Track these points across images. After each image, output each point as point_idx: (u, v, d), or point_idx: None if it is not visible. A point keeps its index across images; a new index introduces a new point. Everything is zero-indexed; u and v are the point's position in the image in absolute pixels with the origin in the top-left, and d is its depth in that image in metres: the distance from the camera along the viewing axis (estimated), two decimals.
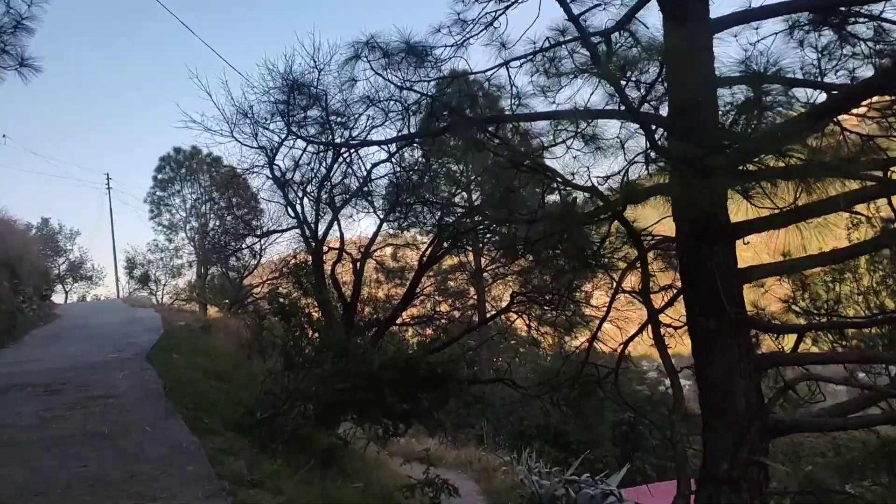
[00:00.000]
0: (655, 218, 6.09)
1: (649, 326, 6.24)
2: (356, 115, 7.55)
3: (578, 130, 5.72)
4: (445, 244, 12.87)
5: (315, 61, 11.10)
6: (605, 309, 7.88)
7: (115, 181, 76.73)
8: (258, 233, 18.21)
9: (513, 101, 7.68)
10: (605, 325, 11.85)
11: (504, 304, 26.88)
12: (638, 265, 6.29)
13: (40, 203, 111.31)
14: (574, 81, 7.45)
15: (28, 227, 38.38)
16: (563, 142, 6.04)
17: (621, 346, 7.26)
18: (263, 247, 24.24)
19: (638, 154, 5.58)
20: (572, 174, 5.92)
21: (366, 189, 12.82)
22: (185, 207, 36.81)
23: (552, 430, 20.29)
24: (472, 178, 13.47)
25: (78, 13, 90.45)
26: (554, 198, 6.94)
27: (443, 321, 15.77)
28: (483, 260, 22.96)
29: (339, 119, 7.88)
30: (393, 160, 12.09)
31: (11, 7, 7.93)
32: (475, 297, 27.61)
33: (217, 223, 34.44)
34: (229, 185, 32.94)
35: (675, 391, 5.57)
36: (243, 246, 25.80)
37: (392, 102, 7.30)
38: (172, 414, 6.96)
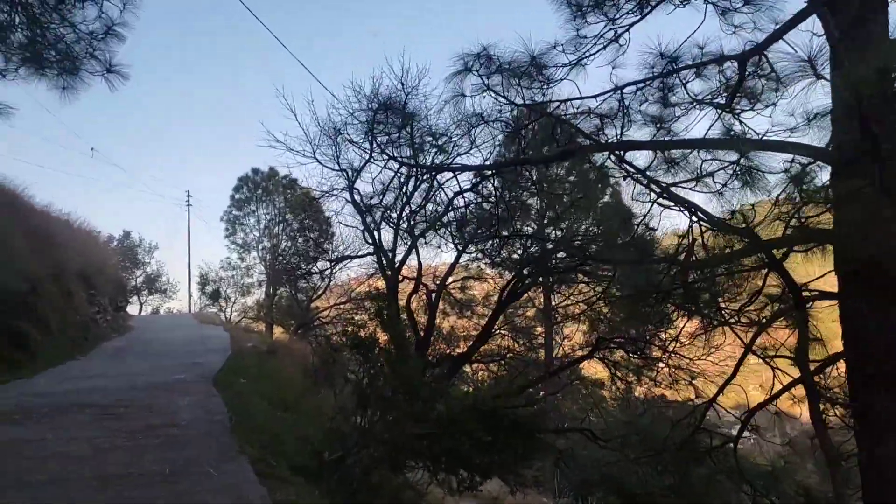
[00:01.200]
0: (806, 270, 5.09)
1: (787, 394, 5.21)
2: (454, 136, 6.83)
3: (737, 161, 4.80)
4: (527, 280, 11.97)
5: (403, 84, 10.56)
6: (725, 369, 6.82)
7: (195, 198, 79.01)
8: (331, 257, 17.65)
9: (623, 128, 6.84)
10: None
11: (575, 345, 25.72)
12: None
13: (122, 216, 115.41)
14: (691, 112, 6.62)
15: (110, 239, 39.47)
16: (709, 175, 5.13)
17: (746, 414, 6.19)
18: (334, 271, 23.73)
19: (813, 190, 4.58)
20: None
21: (447, 218, 12.05)
22: (259, 227, 37.03)
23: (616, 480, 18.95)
24: (558, 211, 12.55)
25: (161, 25, 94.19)
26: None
27: (512, 360, 14.76)
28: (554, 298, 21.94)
29: (431, 140, 7.16)
30: (476, 190, 11.33)
31: (104, 12, 7.63)
32: (542, 335, 26.47)
33: (288, 244, 34.43)
34: (304, 206, 33.05)
35: (837, 485, 4.48)
36: (313, 269, 25.39)
37: (498, 123, 6.51)
38: (237, 454, 6.24)
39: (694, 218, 5.14)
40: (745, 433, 6.50)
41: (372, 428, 7.64)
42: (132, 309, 38.23)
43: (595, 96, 6.61)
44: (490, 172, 8.05)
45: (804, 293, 4.77)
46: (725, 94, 6.05)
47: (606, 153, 5.75)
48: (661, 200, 5.34)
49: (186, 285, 47.25)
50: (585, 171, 6.45)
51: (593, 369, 20.07)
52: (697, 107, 6.33)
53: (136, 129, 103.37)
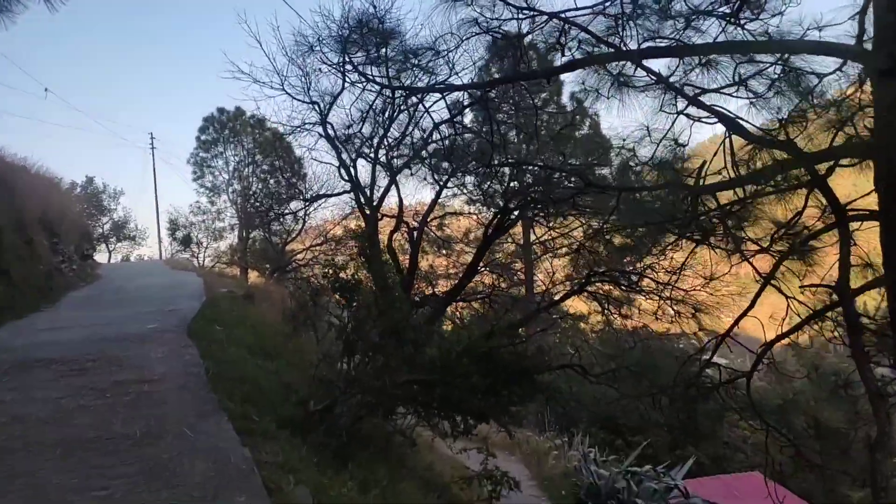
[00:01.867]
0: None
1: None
2: (442, 52, 6.07)
3: (776, 63, 4.21)
4: (516, 213, 11.43)
5: (375, 6, 9.71)
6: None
7: (160, 141, 76.61)
8: (305, 196, 16.82)
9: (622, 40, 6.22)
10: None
11: (557, 280, 25.44)
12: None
13: (83, 162, 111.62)
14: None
15: (72, 185, 37.98)
16: (742, 82, 4.55)
17: (763, 347, 5.79)
18: (308, 212, 22.91)
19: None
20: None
21: (426, 151, 11.38)
22: (228, 170, 35.83)
23: (602, 414, 18.91)
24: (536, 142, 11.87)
25: None
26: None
27: (496, 297, 14.34)
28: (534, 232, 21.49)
29: (412, 59, 6.39)
30: (459, 118, 10.59)
31: None
32: (522, 271, 26.11)
33: (259, 186, 33.45)
34: (273, 146, 31.96)
35: (881, 423, 4.08)
36: (287, 210, 24.54)
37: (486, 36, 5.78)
38: (216, 410, 5.72)
39: (726, 131, 4.56)
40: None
41: (360, 374, 7.16)
42: (101, 257, 37.21)
43: (593, 7, 5.97)
44: (478, 94, 7.32)
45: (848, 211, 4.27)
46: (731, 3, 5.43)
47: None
48: (690, 111, 4.77)
49: (156, 231, 45.85)
50: (584, 91, 5.78)
51: (575, 306, 19.79)
52: (699, 19, 5.72)
53: (91, 69, 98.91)
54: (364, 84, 8.08)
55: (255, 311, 15.24)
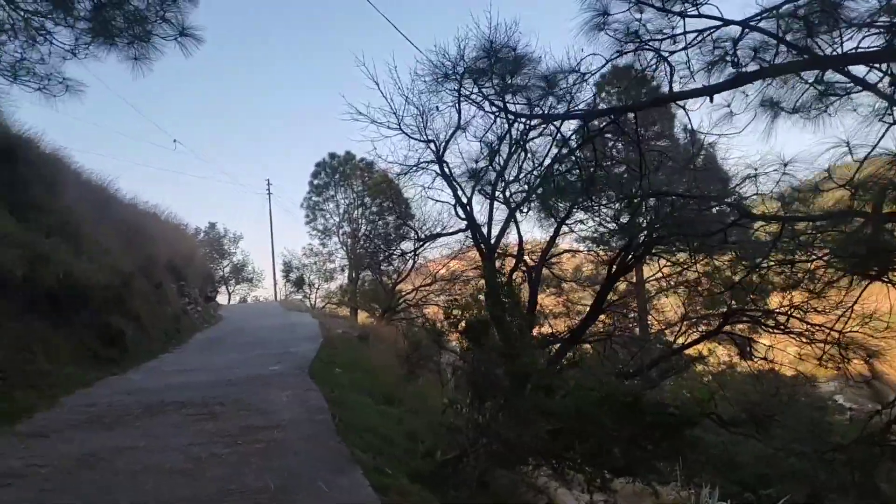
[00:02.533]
0: None
1: None
2: (588, 73, 5.61)
3: None
4: (638, 251, 10.72)
5: (492, 42, 9.48)
6: None
7: (276, 187, 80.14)
8: (420, 236, 16.70)
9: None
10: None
11: (671, 320, 24.05)
12: None
13: (204, 207, 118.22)
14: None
15: (196, 231, 40.06)
16: None
17: None
18: (418, 251, 22.85)
19: None
20: None
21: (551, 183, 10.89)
22: (339, 212, 36.77)
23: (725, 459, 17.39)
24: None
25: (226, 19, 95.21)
26: None
27: (620, 339, 13.53)
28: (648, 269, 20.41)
29: (544, 86, 5.99)
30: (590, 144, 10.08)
31: None
32: (636, 310, 24.90)
33: (368, 228, 34.03)
34: (382, 189, 32.48)
35: None
36: (398, 251, 24.61)
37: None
38: (349, 462, 5.38)
39: None
40: None
41: (490, 422, 6.66)
42: (221, 299, 38.86)
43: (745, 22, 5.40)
44: (611, 119, 6.80)
45: None
46: None
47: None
48: None
49: (271, 273, 47.62)
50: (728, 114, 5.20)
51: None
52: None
53: (211, 118, 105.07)
54: (496, 113, 7.63)
55: (371, 352, 15.12)
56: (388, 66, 26.26)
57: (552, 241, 12.59)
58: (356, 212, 36.06)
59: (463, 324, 8.15)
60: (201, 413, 7.40)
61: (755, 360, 10.14)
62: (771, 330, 9.40)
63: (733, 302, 10.50)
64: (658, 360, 10.60)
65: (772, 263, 7.09)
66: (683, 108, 5.91)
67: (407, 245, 24.41)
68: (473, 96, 7.50)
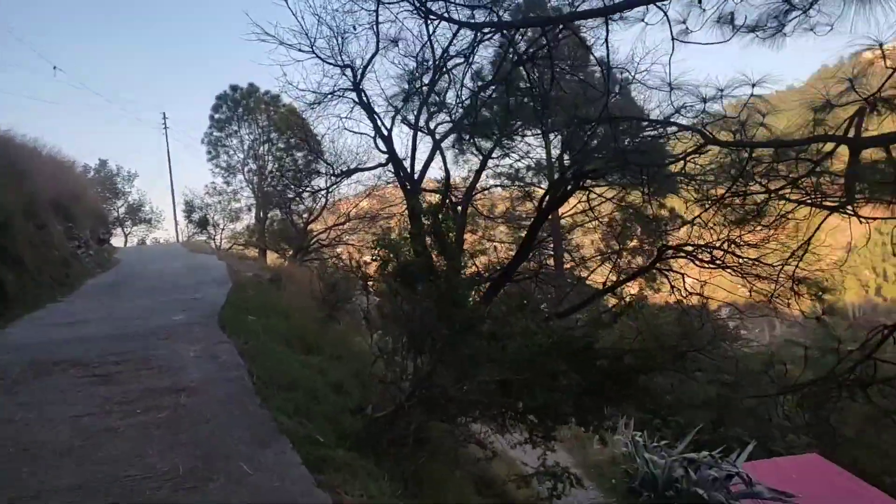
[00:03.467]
0: None
1: None
2: None
3: None
4: (569, 186, 10.20)
5: None
6: None
7: (174, 121, 75.11)
8: (334, 171, 15.47)
9: None
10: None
11: (586, 256, 24.09)
12: None
13: (96, 143, 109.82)
14: None
15: (85, 169, 37.01)
16: None
17: None
18: (332, 189, 21.60)
19: None
20: None
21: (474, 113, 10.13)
22: (243, 149, 34.66)
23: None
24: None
25: None
26: None
27: (545, 277, 13.21)
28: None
29: None
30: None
31: None
32: (552, 245, 24.77)
33: (275, 165, 32.29)
34: (289, 124, 30.75)
35: None
36: (310, 188, 23.26)
37: None
38: (273, 432, 4.59)
39: None
40: None
41: (430, 374, 6.00)
42: (116, 241, 36.35)
43: None
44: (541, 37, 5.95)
45: None
46: None
47: None
48: None
49: (172, 213, 44.90)
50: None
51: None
52: None
53: (100, 45, 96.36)
54: (428, 19, 6.49)
55: (285, 296, 14.14)
56: None
57: (478, 175, 11.89)
58: (262, 148, 34.12)
59: (391, 265, 7.41)
60: (93, 375, 6.38)
61: (686, 295, 9.91)
62: (707, 265, 9.14)
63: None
64: (589, 300, 10.23)
65: (724, 196, 6.65)
66: (643, 19, 5.22)
67: (319, 182, 23.05)
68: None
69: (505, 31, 5.45)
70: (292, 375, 6.62)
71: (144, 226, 43.77)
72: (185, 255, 24.06)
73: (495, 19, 5.22)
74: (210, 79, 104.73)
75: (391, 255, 7.46)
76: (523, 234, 20.34)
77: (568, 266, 22.62)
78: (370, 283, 8.04)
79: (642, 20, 5.34)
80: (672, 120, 6.18)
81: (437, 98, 10.28)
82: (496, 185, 15.46)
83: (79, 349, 7.50)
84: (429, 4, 5.16)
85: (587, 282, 15.43)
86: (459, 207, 11.43)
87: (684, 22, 5.96)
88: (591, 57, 7.14)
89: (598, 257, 20.39)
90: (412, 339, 6.12)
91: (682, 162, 6.44)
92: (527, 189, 18.86)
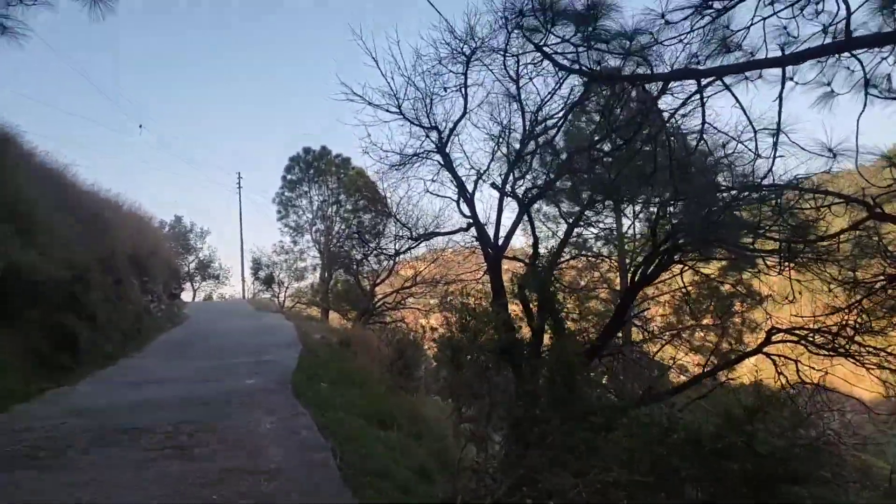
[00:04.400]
0: None
1: None
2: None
3: None
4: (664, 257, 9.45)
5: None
6: None
7: (247, 181, 77.24)
8: (412, 234, 15.02)
9: None
10: None
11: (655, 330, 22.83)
12: None
13: (171, 200, 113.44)
14: None
15: (162, 224, 37.93)
16: None
17: None
18: (410, 250, 21.05)
19: None
20: None
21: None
22: (312, 209, 35.02)
23: None
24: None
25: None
26: None
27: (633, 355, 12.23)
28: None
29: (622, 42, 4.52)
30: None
31: None
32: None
33: (346, 226, 32.43)
34: (358, 187, 31.00)
35: None
36: (389, 249, 22.88)
37: None
38: None
39: None
40: None
41: (539, 469, 5.25)
42: (185, 296, 36.87)
43: None
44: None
45: None
46: None
47: None
48: None
49: (239, 270, 45.37)
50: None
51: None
52: None
53: (182, 105, 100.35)
54: (563, 70, 5.80)
55: (355, 360, 13.62)
56: (388, 39, 24.29)
57: (563, 243, 11.25)
58: (330, 209, 34.40)
59: (483, 336, 6.77)
60: (165, 446, 5.87)
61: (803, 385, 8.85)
62: (825, 352, 8.14)
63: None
64: (685, 385, 9.32)
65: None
66: (793, 77, 4.58)
67: (391, 244, 22.68)
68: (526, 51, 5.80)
69: (646, 86, 4.92)
70: (377, 460, 5.97)
71: (212, 281, 44.40)
72: (251, 314, 23.95)
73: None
74: (281, 142, 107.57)
75: (485, 326, 6.86)
76: (590, 305, 19.47)
77: (639, 341, 21.45)
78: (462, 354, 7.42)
79: (791, 79, 4.70)
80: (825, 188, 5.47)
81: (530, 161, 9.82)
82: (578, 255, 14.61)
83: (150, 415, 7.05)
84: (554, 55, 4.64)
85: (656, 358, 14.36)
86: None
87: (829, 84, 5.33)
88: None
89: (669, 332, 19.22)
90: (515, 426, 5.41)
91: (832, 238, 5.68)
92: (595, 259, 18.06)
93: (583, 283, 19.94)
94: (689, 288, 13.04)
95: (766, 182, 5.45)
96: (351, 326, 23.09)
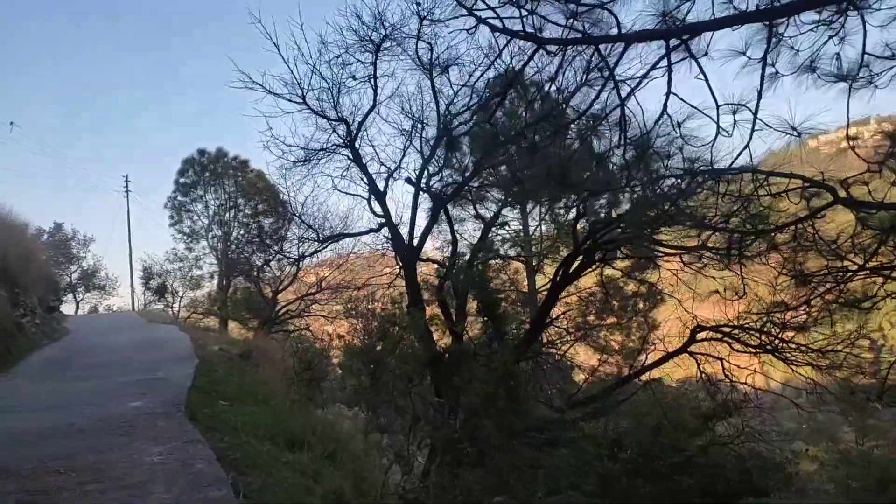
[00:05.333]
0: None
1: None
2: None
3: None
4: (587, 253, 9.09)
5: None
6: None
7: (135, 185, 72.52)
8: (320, 237, 13.91)
9: None
10: None
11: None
12: None
13: (53, 207, 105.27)
14: None
15: (39, 232, 34.94)
16: None
17: None
18: (311, 255, 19.99)
19: None
20: None
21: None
22: (208, 214, 33.11)
23: None
24: None
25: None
26: None
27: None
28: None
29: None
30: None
31: None
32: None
33: (243, 231, 30.87)
34: (258, 189, 29.68)
35: None
36: (291, 254, 21.67)
37: None
38: None
39: None
40: None
41: (473, 489, 4.59)
42: (68, 308, 34.06)
43: None
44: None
45: None
46: None
47: None
48: None
49: (128, 280, 42.28)
50: None
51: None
52: None
53: (69, 112, 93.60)
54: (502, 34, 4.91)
55: (258, 375, 12.52)
56: (291, 22, 23.01)
57: (481, 241, 10.70)
58: (228, 214, 32.66)
59: (406, 346, 6.07)
60: (24, 490, 4.80)
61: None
62: (753, 349, 7.97)
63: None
64: (611, 388, 8.95)
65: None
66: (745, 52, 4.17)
67: (295, 248, 21.50)
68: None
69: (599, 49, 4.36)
70: (288, 491, 5.13)
71: (98, 292, 41.22)
72: (142, 325, 22.16)
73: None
74: (174, 145, 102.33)
75: (403, 333, 6.15)
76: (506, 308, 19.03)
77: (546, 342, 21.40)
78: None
79: (744, 53, 4.30)
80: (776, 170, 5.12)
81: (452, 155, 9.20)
82: (493, 257, 14.14)
83: (9, 452, 5.88)
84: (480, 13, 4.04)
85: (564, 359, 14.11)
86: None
87: (773, 65, 4.99)
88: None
89: (577, 332, 19.24)
90: (449, 445, 4.74)
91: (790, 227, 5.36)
92: (504, 262, 17.77)
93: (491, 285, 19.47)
94: (596, 289, 12.87)
95: (722, 166, 5.04)
96: (252, 336, 21.75)
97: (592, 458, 4.50)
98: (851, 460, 10.26)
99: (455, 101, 9.13)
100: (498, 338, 5.58)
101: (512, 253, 13.60)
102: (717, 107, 4.51)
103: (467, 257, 10.52)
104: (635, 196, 6.72)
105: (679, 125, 4.77)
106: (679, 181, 5.72)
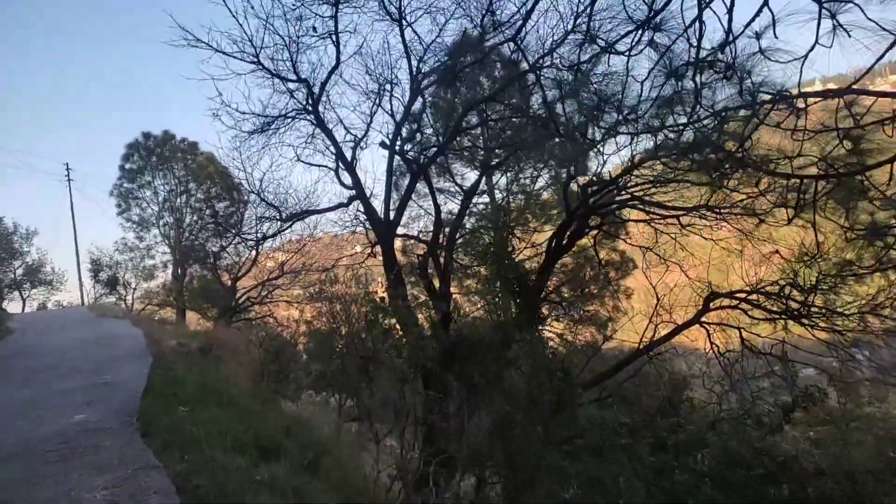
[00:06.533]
0: None
1: None
2: None
3: None
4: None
5: None
6: None
7: (78, 172, 69.28)
8: (282, 215, 12.46)
9: None
10: None
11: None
12: None
13: None
14: None
15: None
16: None
17: None
18: (274, 236, 18.50)
19: None
20: None
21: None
22: (158, 201, 31.23)
23: None
24: None
25: None
26: None
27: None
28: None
29: None
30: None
31: None
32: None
33: (196, 217, 29.24)
34: (212, 174, 28.19)
35: None
36: (246, 236, 20.24)
37: None
38: None
39: None
40: None
41: None
42: (13, 307, 32.03)
43: None
44: None
45: None
46: None
47: None
48: None
49: (76, 273, 39.99)
50: None
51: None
52: None
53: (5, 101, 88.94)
54: None
55: (220, 370, 11.34)
56: None
57: (461, 215, 9.66)
58: (179, 199, 30.87)
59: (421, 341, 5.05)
60: None
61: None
62: (773, 316, 7.15)
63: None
64: (621, 364, 8.09)
65: None
66: None
67: (249, 231, 20.08)
68: None
69: None
70: None
71: (44, 288, 38.87)
72: (91, 321, 20.55)
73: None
74: (118, 128, 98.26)
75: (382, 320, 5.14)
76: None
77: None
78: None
79: None
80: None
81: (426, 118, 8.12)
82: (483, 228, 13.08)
83: None
84: None
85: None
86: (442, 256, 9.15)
87: None
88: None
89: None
90: (474, 458, 3.76)
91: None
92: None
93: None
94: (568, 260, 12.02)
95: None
96: (212, 326, 20.41)
97: (649, 470, 3.63)
98: None
99: (425, 56, 8.05)
100: (530, 319, 4.68)
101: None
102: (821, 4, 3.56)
103: (447, 231, 9.51)
104: (697, 133, 5.70)
105: (759, 35, 3.83)
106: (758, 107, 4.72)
